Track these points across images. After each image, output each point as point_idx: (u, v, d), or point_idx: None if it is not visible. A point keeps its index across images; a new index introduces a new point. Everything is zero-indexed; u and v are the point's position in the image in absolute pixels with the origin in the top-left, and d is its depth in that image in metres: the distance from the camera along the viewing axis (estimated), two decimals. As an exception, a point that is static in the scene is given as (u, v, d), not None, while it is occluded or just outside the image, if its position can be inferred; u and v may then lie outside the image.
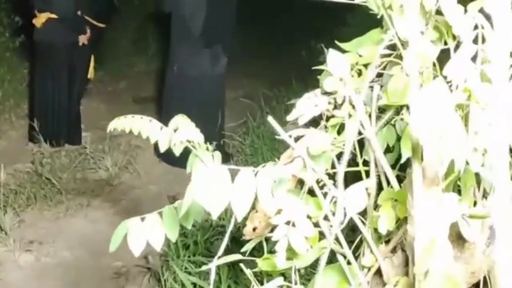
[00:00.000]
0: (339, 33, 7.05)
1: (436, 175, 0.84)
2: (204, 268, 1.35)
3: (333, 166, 1.24)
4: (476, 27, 0.80)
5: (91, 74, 5.77)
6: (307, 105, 1.15)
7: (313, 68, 1.34)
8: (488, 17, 0.85)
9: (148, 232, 1.13)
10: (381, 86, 1.23)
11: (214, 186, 0.91)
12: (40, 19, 5.00)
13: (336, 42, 1.17)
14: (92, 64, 5.66)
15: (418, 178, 0.85)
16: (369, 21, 1.17)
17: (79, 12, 5.10)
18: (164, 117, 4.96)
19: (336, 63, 1.06)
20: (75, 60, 5.20)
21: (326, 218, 1.16)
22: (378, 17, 1.11)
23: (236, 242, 1.40)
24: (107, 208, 4.17)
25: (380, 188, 1.24)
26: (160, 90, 5.62)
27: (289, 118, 1.16)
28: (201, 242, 3.19)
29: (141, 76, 7.99)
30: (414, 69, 0.82)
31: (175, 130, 1.25)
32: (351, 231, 1.40)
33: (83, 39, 5.17)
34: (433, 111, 0.71)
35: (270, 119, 1.12)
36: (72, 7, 4.99)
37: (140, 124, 1.27)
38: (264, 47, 9.33)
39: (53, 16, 4.96)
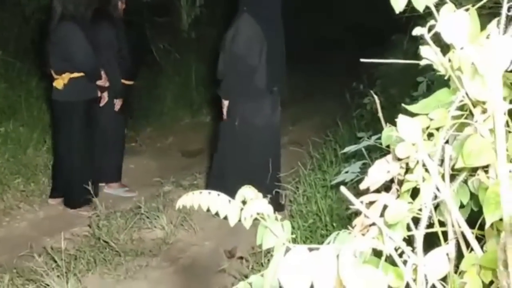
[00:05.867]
0: (379, 72, 7.03)
1: (532, 247, 0.81)
2: None
3: (407, 229, 1.21)
4: None
5: None
6: (379, 171, 1.14)
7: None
8: None
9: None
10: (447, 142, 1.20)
11: (297, 269, 0.90)
12: (61, 80, 5.00)
13: (403, 105, 1.16)
14: None
15: (512, 251, 0.81)
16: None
17: (102, 72, 5.20)
18: (219, 170, 4.96)
19: (408, 129, 1.05)
20: (98, 116, 5.30)
21: (407, 286, 1.13)
22: (446, 78, 1.10)
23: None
24: (166, 267, 4.16)
25: (459, 250, 1.20)
26: (211, 142, 5.60)
27: (362, 186, 1.14)
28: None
29: (187, 130, 8.08)
30: (502, 136, 0.80)
31: (243, 202, 1.27)
32: None
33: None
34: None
35: (343, 189, 1.10)
36: (95, 65, 5.07)
37: (208, 199, 1.28)
38: (305, 89, 9.34)
39: (75, 75, 4.99)
